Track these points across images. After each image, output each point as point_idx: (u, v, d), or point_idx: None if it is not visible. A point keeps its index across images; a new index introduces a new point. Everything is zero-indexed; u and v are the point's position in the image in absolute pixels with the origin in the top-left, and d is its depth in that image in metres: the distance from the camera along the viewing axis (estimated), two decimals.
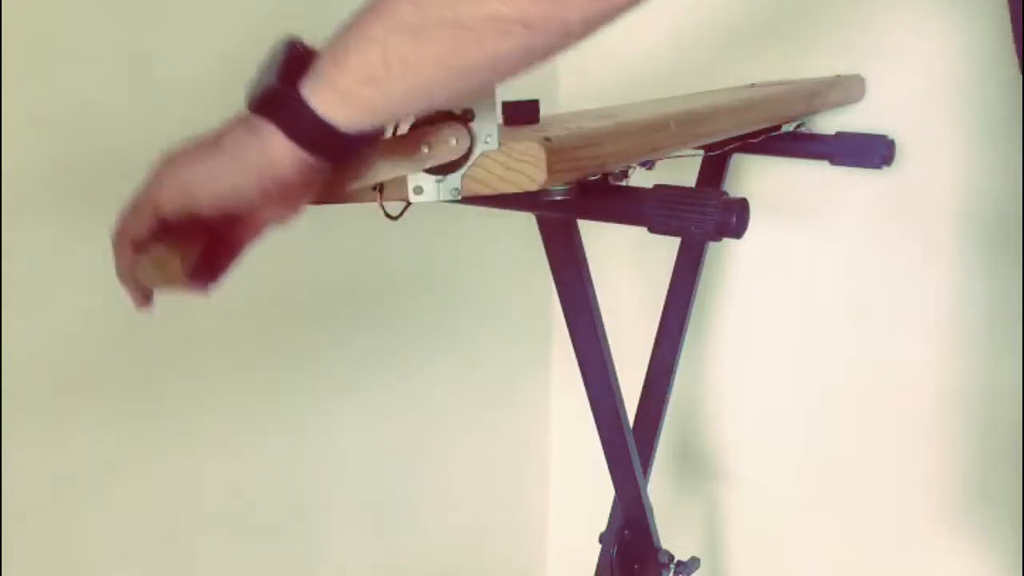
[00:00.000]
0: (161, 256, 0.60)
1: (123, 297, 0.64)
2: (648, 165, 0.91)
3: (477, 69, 0.57)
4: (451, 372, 1.38)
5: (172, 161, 0.63)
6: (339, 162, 0.62)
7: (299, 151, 0.59)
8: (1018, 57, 0.71)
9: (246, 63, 0.98)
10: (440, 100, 0.60)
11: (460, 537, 1.47)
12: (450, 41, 0.55)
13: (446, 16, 0.55)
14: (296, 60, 0.60)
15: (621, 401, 0.99)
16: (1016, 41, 0.71)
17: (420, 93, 0.59)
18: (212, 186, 0.61)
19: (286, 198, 0.62)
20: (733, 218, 0.68)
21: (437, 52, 0.56)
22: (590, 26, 0.56)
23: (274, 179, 0.60)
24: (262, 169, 0.60)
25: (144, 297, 0.65)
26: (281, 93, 0.59)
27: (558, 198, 0.77)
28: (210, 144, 0.61)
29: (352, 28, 0.59)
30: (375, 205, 0.76)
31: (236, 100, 1.05)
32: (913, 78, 1.16)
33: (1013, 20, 0.72)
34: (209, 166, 0.61)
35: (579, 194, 0.77)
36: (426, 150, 0.66)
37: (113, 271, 0.93)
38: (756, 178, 1.28)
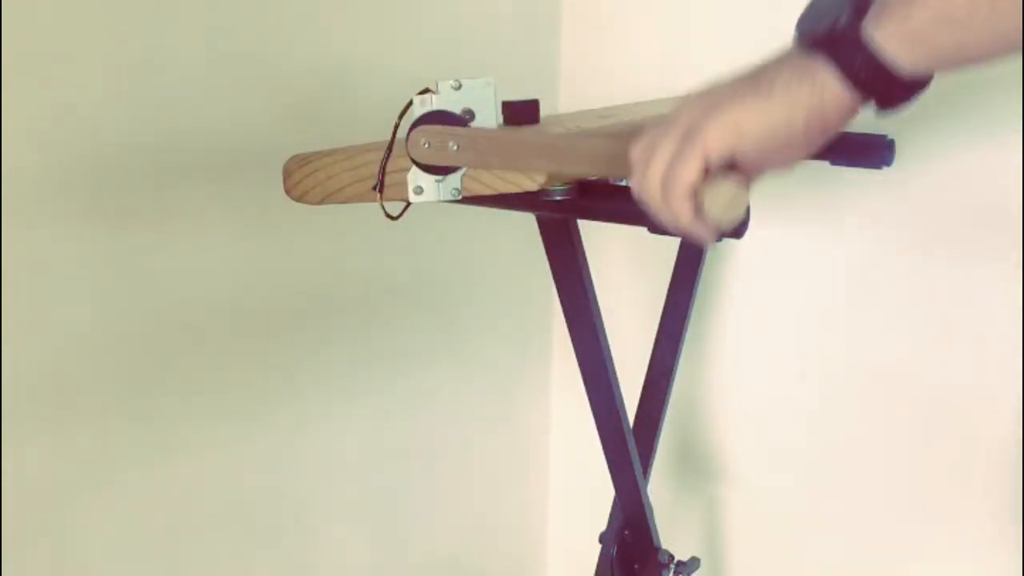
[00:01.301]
0: (732, 190, 0.60)
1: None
2: None
3: None
4: (451, 372, 1.37)
5: (716, 103, 0.61)
6: (890, 107, 0.60)
7: (855, 93, 0.58)
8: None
9: (246, 63, 0.99)
10: (1007, 51, 0.56)
11: (460, 537, 1.47)
12: None
13: None
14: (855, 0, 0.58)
15: (621, 401, 0.99)
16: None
17: (999, 41, 0.55)
18: (764, 129, 0.59)
19: (821, 138, 0.61)
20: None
21: None
22: None
23: (822, 120, 0.59)
24: (812, 110, 0.59)
25: (714, 233, 0.64)
26: (846, 33, 0.57)
27: (558, 198, 0.77)
28: (755, 85, 0.60)
29: None
30: (376, 205, 0.76)
31: (236, 100, 1.05)
32: None
33: None
34: (761, 109, 0.59)
35: (579, 194, 0.77)
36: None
37: (113, 270, 0.93)
38: None
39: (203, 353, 1.06)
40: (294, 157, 0.80)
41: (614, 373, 0.96)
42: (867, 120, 1.21)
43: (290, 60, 1.07)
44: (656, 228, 0.71)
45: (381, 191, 0.75)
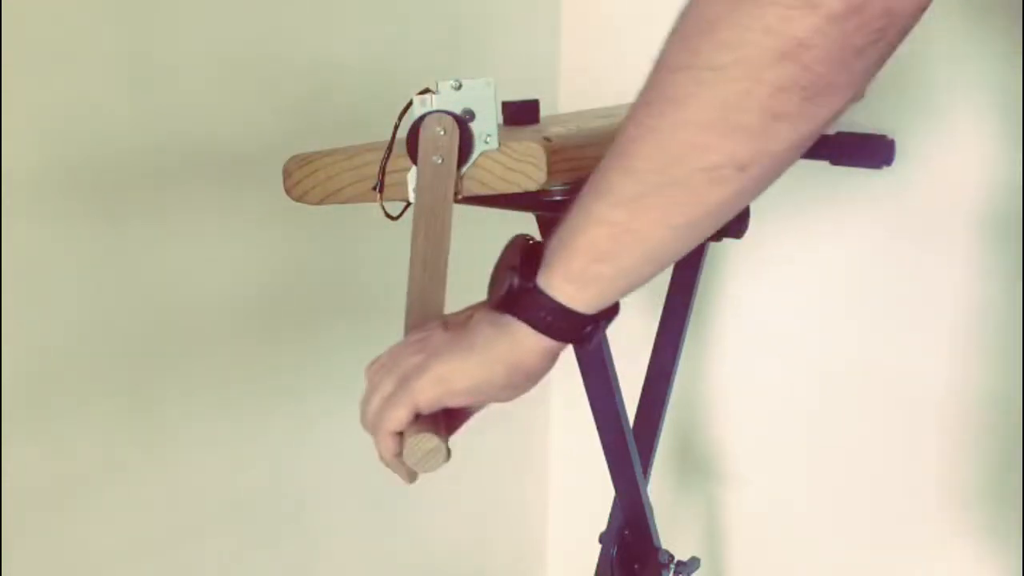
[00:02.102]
0: (430, 445, 0.64)
1: (390, 475, 0.69)
2: None
3: (700, 221, 0.58)
4: None
5: (432, 352, 0.66)
6: (583, 343, 0.64)
7: (546, 340, 0.62)
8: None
9: (246, 63, 0.98)
10: (670, 259, 0.61)
11: (460, 537, 1.47)
12: (670, 202, 0.56)
13: (660, 179, 0.56)
14: (528, 255, 0.63)
15: (621, 401, 0.99)
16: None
17: (650, 258, 0.60)
18: (469, 381, 0.64)
19: (530, 381, 0.66)
20: (733, 218, 0.68)
21: (659, 216, 0.57)
22: (799, 150, 0.56)
23: (521, 368, 0.64)
24: (511, 362, 0.64)
25: (411, 476, 0.69)
26: (523, 290, 0.62)
27: (558, 198, 0.77)
28: (460, 341, 0.65)
29: (575, 212, 0.61)
30: (376, 205, 0.76)
31: (236, 100, 1.05)
32: (913, 78, 1.16)
33: None
34: (464, 364, 0.64)
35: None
36: None
37: (113, 270, 0.93)
38: None
39: (203, 353, 1.06)
40: (294, 157, 0.80)
41: (614, 373, 0.96)
42: (867, 120, 1.22)
43: (290, 60, 1.07)
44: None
45: (381, 191, 0.75)
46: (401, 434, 0.65)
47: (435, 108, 0.72)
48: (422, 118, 0.72)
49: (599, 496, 1.16)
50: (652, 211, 0.57)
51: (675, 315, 1.17)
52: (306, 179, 0.79)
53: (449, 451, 0.65)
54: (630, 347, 1.15)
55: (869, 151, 1.17)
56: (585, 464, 1.27)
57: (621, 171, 0.57)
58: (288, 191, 0.80)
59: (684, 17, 0.54)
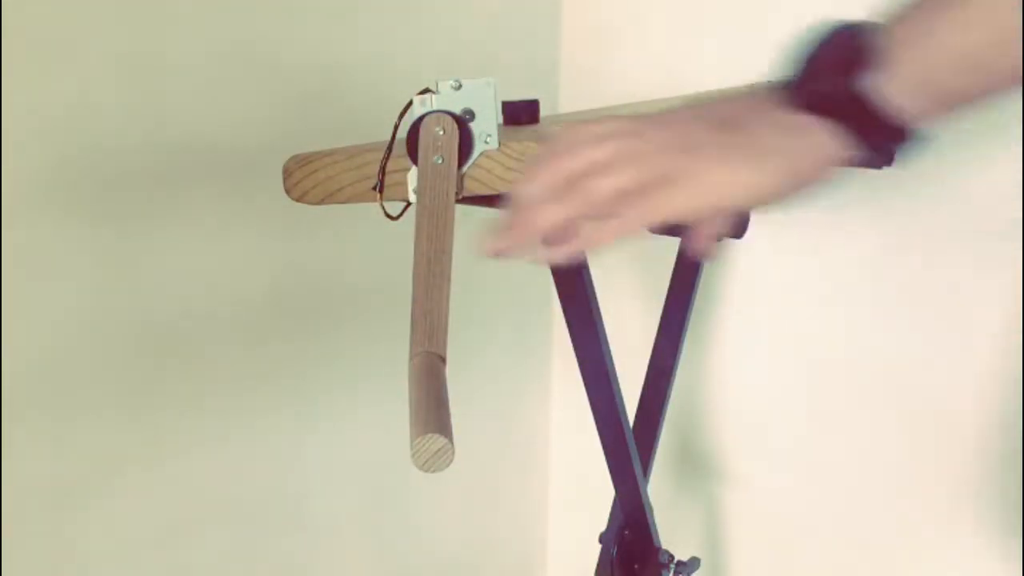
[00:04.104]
0: (437, 445, 0.60)
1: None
2: None
3: None
4: (451, 372, 1.37)
5: (694, 163, 0.52)
6: (888, 162, 0.56)
7: (859, 151, 0.54)
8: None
9: (246, 63, 0.99)
10: (1015, 84, 0.51)
11: (460, 537, 1.47)
12: None
13: None
14: (853, 48, 0.52)
15: (621, 401, 0.99)
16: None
17: (1017, 75, 0.50)
18: (754, 193, 0.53)
19: (803, 194, 0.55)
20: (734, 218, 0.68)
21: None
22: None
23: (810, 181, 0.54)
24: (808, 172, 0.54)
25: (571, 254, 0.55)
26: (849, 92, 0.52)
27: None
28: (744, 146, 0.53)
29: (932, 3, 0.51)
30: (376, 205, 0.76)
31: (236, 100, 1.05)
32: None
33: None
34: (752, 175, 0.52)
35: None
36: None
37: (113, 270, 0.93)
38: None
39: (203, 353, 1.06)
40: (294, 157, 0.80)
41: (614, 373, 0.96)
42: None
43: (290, 60, 1.07)
44: (656, 228, 0.71)
45: (381, 191, 0.75)
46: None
47: (435, 108, 0.72)
48: (422, 118, 0.72)
49: (599, 496, 1.16)
50: None
51: (675, 315, 1.17)
52: (306, 179, 0.79)
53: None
54: (630, 347, 1.15)
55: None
56: (585, 464, 1.27)
57: None
58: (288, 191, 0.80)
59: None
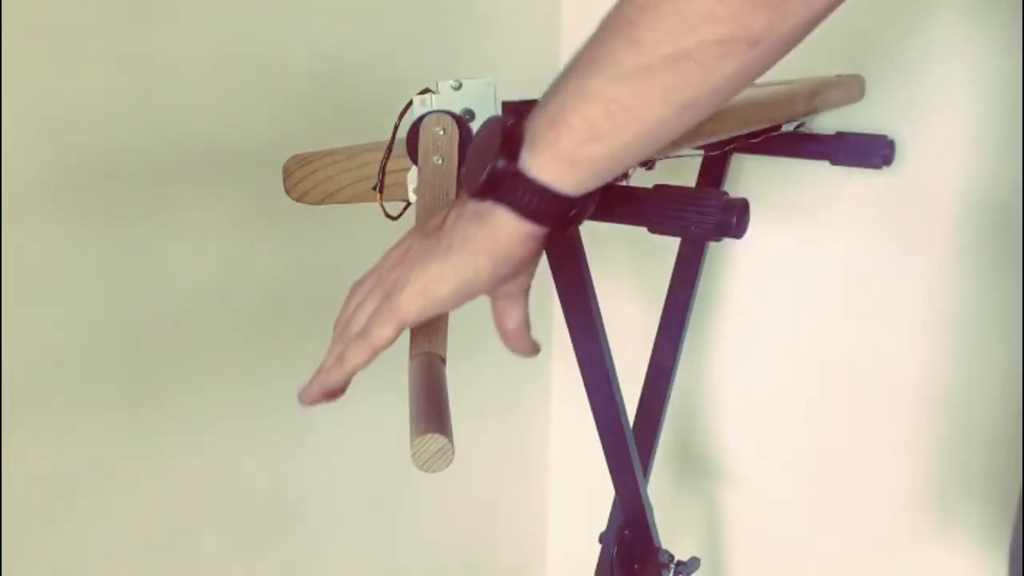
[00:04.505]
0: (437, 445, 0.62)
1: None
2: (648, 165, 0.91)
3: (701, 99, 0.55)
4: (450, 372, 1.37)
5: (410, 264, 0.63)
6: (567, 227, 0.61)
7: (530, 226, 0.59)
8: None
9: (246, 62, 0.98)
10: (664, 141, 0.58)
11: (460, 537, 1.47)
12: (674, 76, 0.53)
13: (668, 51, 0.53)
14: (509, 135, 0.59)
15: (621, 401, 0.99)
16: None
17: (646, 139, 0.56)
18: (453, 285, 0.62)
19: (514, 269, 0.63)
20: (733, 218, 0.67)
21: (662, 91, 0.54)
22: (807, 30, 0.54)
23: (506, 258, 0.61)
24: (494, 252, 0.61)
25: (335, 393, 0.69)
26: (506, 173, 0.58)
27: None
28: (439, 245, 0.62)
29: (563, 86, 0.57)
30: (376, 205, 0.76)
31: (236, 100, 1.05)
32: (913, 78, 1.16)
33: None
34: (445, 268, 0.61)
35: None
36: None
37: (113, 270, 0.93)
38: (756, 178, 1.28)
39: (203, 353, 1.06)
40: (294, 157, 0.79)
41: (614, 373, 0.96)
42: (867, 120, 1.21)
43: (290, 60, 1.07)
44: (656, 228, 0.71)
45: (381, 191, 0.75)
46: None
47: (435, 108, 0.72)
48: (422, 118, 0.72)
49: (599, 496, 1.16)
50: (655, 87, 0.54)
51: (675, 315, 1.17)
52: (306, 179, 0.79)
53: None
54: (630, 347, 1.15)
55: (869, 151, 1.17)
56: (585, 464, 1.27)
57: (625, 42, 0.54)
58: (288, 191, 0.80)
59: None
